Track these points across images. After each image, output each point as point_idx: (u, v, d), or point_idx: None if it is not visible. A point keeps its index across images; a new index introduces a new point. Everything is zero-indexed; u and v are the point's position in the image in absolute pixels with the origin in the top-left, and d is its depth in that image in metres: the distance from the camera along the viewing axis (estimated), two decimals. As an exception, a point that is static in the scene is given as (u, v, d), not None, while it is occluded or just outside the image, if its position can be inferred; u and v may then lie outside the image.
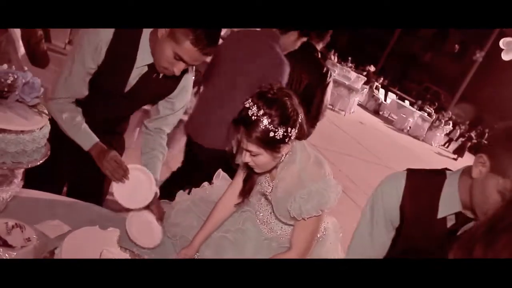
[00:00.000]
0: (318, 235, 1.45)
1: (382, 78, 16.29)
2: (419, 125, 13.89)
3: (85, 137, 1.50)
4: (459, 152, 13.20)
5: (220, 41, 1.62)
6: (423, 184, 1.14)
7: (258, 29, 2.23)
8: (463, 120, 16.68)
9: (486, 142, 14.21)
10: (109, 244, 1.21)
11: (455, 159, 12.83)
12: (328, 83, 2.53)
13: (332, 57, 14.06)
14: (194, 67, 1.58)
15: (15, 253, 1.04)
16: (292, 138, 1.26)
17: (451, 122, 14.54)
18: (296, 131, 1.26)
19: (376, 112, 14.59)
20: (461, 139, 14.35)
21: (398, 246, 1.19)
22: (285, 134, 1.22)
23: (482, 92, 18.22)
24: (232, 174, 1.60)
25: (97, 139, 1.51)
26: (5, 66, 1.14)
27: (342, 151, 7.54)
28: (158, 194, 1.56)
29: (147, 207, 1.52)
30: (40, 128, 1.14)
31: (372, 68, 17.08)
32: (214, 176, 1.69)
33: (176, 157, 3.60)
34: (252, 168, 1.33)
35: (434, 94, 20.27)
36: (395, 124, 13.97)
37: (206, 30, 1.30)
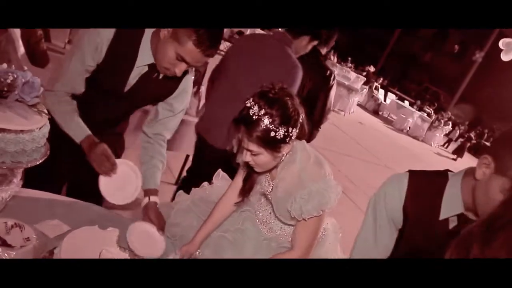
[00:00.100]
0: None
1: (381, 79, 16.28)
2: (418, 125, 13.89)
3: (78, 129, 1.50)
4: (458, 152, 13.21)
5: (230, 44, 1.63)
6: (425, 186, 1.13)
7: (271, 33, 2.26)
8: (463, 121, 16.68)
9: (485, 142, 14.28)
10: (109, 244, 1.21)
11: (455, 160, 12.84)
12: (332, 86, 2.57)
13: (332, 57, 14.06)
14: (194, 68, 1.58)
15: (14, 253, 1.04)
16: (293, 138, 1.26)
17: (450, 123, 14.54)
18: (297, 131, 1.26)
19: (375, 112, 14.59)
20: (461, 139, 14.35)
21: (401, 248, 1.19)
22: (286, 134, 1.22)
23: (482, 92, 18.23)
24: (231, 174, 1.60)
25: (89, 132, 1.51)
26: (4, 65, 1.13)
27: (341, 151, 7.54)
28: (158, 203, 1.55)
29: (148, 218, 1.51)
30: (40, 128, 1.14)
31: (372, 68, 17.08)
32: (214, 176, 1.69)
33: (176, 157, 3.61)
34: (252, 167, 1.33)
35: (433, 95, 20.29)
36: (395, 125, 13.97)
37: (209, 31, 1.30)
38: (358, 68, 16.25)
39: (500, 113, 16.85)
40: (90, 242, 1.18)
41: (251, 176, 1.44)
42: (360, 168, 7.19)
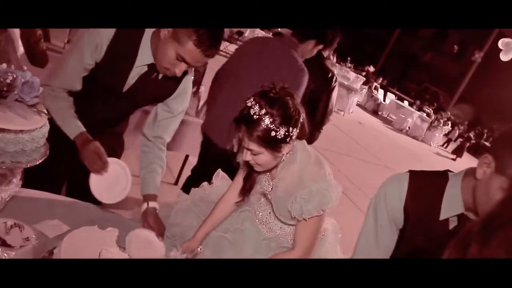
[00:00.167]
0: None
1: (381, 79, 16.29)
2: (418, 125, 13.90)
3: (72, 125, 1.50)
4: (457, 152, 13.22)
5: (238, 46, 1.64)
6: (425, 186, 1.13)
7: (270, 33, 2.30)
8: (462, 121, 16.70)
9: (485, 142, 14.29)
10: (108, 244, 1.21)
11: (454, 160, 12.84)
12: (334, 87, 2.61)
13: (331, 57, 14.06)
14: (193, 68, 1.58)
15: (14, 253, 1.04)
16: (294, 138, 1.26)
17: (450, 123, 14.56)
18: (298, 130, 1.26)
19: (375, 112, 14.60)
20: (460, 139, 14.36)
21: (401, 248, 1.19)
22: (287, 133, 1.22)
23: (481, 92, 18.25)
24: (231, 174, 1.60)
25: (83, 129, 1.51)
26: (4, 65, 1.13)
27: (341, 151, 7.54)
28: (158, 208, 1.55)
29: (147, 224, 1.50)
30: (39, 128, 1.14)
31: (371, 68, 17.09)
32: (214, 176, 1.69)
33: (176, 157, 3.61)
34: (252, 166, 1.33)
35: (433, 95, 20.31)
36: (394, 125, 13.98)
37: (209, 31, 1.30)
38: (358, 68, 16.27)
39: (499, 113, 16.87)
40: (90, 242, 1.18)
41: (251, 176, 1.44)
42: (360, 168, 7.19)
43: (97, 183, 1.47)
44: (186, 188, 2.39)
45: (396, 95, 16.79)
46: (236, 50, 2.48)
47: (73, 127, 1.50)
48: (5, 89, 1.09)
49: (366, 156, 8.35)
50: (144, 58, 1.47)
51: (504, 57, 9.83)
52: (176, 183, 3.66)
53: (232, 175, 1.56)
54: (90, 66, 1.48)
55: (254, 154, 1.25)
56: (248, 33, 13.82)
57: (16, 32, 2.85)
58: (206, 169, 1.74)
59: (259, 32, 14.03)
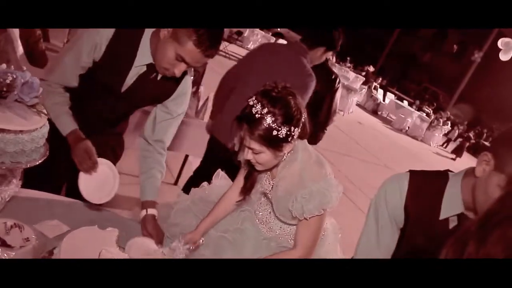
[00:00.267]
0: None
1: (380, 78, 16.29)
2: (417, 125, 13.90)
3: (66, 122, 1.50)
4: (457, 152, 13.22)
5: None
6: (425, 186, 1.14)
7: (286, 42, 2.35)
8: (462, 120, 16.71)
9: (484, 142, 14.30)
10: (108, 244, 1.21)
11: (454, 159, 12.85)
12: (337, 89, 2.69)
13: (331, 57, 14.07)
14: (192, 68, 1.58)
15: (13, 253, 1.04)
16: (295, 137, 1.26)
17: (449, 122, 14.56)
18: (299, 130, 1.26)
19: (374, 112, 14.60)
20: (459, 139, 14.37)
21: (402, 248, 1.19)
22: (288, 133, 1.22)
23: (481, 92, 18.27)
24: (231, 174, 1.60)
25: (76, 127, 1.50)
26: (3, 66, 1.13)
27: (340, 151, 7.54)
28: (157, 215, 1.54)
29: (146, 232, 1.50)
30: (39, 128, 1.14)
31: (371, 68, 17.10)
32: (214, 176, 1.69)
33: (176, 157, 3.61)
34: (253, 165, 1.33)
35: (432, 94, 20.31)
36: (394, 124, 13.99)
37: (209, 31, 1.30)
38: (357, 68, 16.27)
39: (499, 113, 16.88)
40: (90, 242, 1.17)
41: (252, 175, 1.44)
42: (359, 168, 7.20)
43: (85, 183, 1.46)
44: (188, 189, 2.41)
45: (395, 95, 16.79)
46: (247, 55, 2.54)
47: (66, 124, 1.50)
48: (4, 89, 1.09)
49: (366, 156, 8.36)
50: (143, 58, 1.47)
51: (503, 57, 9.85)
52: (176, 183, 3.66)
53: (235, 176, 1.56)
54: (87, 65, 1.48)
55: (255, 153, 1.25)
56: (247, 33, 13.82)
57: (16, 32, 2.85)
58: (210, 171, 1.75)
59: (259, 32, 14.04)
